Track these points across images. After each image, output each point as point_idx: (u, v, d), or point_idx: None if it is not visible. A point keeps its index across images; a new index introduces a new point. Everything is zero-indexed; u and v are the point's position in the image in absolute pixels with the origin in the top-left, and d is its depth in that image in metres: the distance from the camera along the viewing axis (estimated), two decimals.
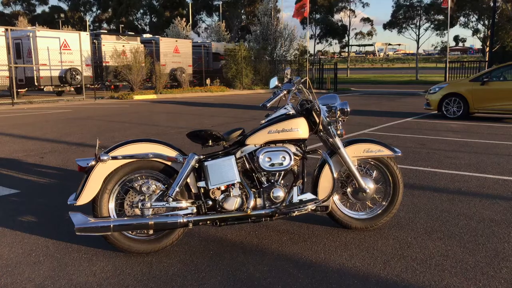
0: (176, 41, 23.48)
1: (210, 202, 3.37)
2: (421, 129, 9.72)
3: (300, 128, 3.50)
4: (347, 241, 3.55)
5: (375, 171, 3.82)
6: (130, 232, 3.26)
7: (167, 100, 18.24)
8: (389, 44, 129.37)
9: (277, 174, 3.51)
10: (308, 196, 3.52)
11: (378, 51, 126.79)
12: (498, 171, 5.83)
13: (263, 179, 3.47)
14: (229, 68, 24.08)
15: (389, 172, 3.78)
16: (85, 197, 3.17)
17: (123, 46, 20.78)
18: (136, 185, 3.23)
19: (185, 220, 3.23)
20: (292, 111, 3.58)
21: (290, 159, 3.44)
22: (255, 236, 3.64)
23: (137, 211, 3.28)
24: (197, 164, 3.34)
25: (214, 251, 3.38)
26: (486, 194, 4.80)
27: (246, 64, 24.02)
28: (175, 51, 22.97)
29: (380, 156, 3.72)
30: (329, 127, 3.63)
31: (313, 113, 3.56)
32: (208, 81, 23.90)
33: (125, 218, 3.17)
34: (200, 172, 3.38)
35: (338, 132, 3.63)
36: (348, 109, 3.66)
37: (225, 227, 3.85)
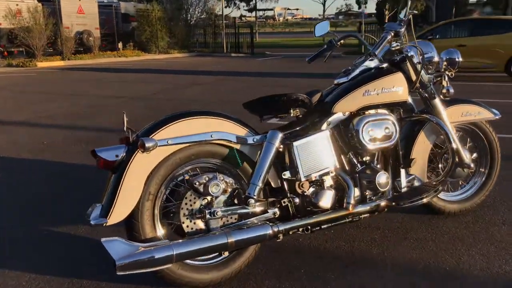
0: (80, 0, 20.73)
1: (297, 200, 2.31)
2: None
3: (402, 86, 2.54)
4: (458, 235, 2.70)
5: (468, 139, 3.02)
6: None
7: (79, 67, 15.99)
8: (288, 9, 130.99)
9: (376, 153, 2.54)
10: (416, 180, 2.61)
11: (277, 16, 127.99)
12: None
13: (357, 160, 2.48)
14: (143, 30, 21.91)
15: (487, 140, 2.99)
16: (121, 211, 1.95)
17: (17, 5, 17.75)
18: (196, 183, 2.05)
19: (275, 230, 2.15)
20: (383, 64, 2.59)
21: (395, 131, 2.47)
22: (335, 238, 2.67)
23: (200, 224, 2.12)
24: (281, 146, 2.23)
25: (291, 264, 2.35)
26: None
27: (161, 26, 22.04)
28: (79, 12, 20.24)
29: (479, 120, 2.91)
30: (430, 84, 2.71)
31: (411, 65, 2.60)
32: (120, 45, 21.59)
33: (190, 239, 2.00)
34: (280, 158, 2.28)
35: (444, 90, 2.73)
36: (460, 59, 2.75)
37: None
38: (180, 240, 1.98)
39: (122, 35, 22.72)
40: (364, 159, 2.48)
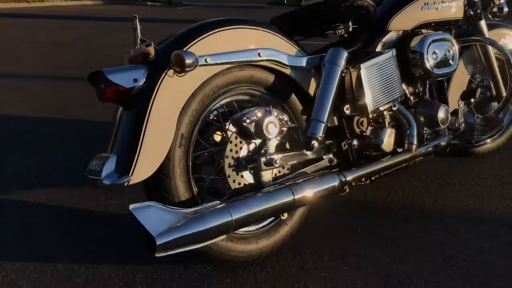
0: None
1: (356, 142, 1.80)
2: None
3: (460, 1, 2.08)
4: (501, 177, 2.39)
5: None
6: None
7: None
8: None
9: (434, 83, 2.09)
10: (468, 117, 2.20)
11: None
12: None
13: (416, 91, 2.01)
14: None
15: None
16: (149, 162, 1.31)
17: None
18: (246, 121, 1.45)
19: (342, 180, 1.63)
20: None
21: (456, 55, 2.02)
22: (374, 189, 2.22)
23: (249, 177, 1.54)
24: (345, 71, 1.68)
25: (342, 224, 1.88)
26: None
27: None
28: None
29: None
30: (478, 1, 2.28)
31: None
32: None
33: (248, 199, 1.41)
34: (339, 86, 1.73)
35: (495, 8, 2.31)
36: None
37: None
38: (235, 201, 1.39)
39: None
40: (422, 89, 2.02)
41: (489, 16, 2.34)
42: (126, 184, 1.26)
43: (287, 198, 1.46)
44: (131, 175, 1.27)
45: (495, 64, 2.37)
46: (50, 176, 2.38)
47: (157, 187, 1.39)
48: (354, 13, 1.75)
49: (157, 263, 1.62)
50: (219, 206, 1.34)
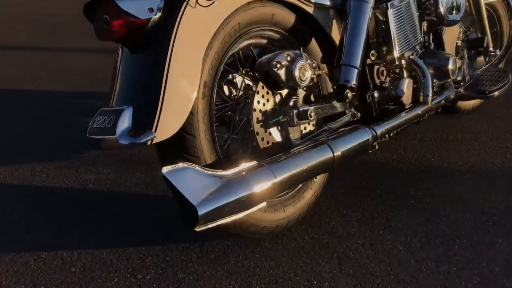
0: None
1: (377, 94, 1.62)
2: None
3: None
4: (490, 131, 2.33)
5: None
6: None
7: None
8: None
9: (436, 31, 1.95)
10: (469, 67, 2.10)
11: None
12: None
13: (426, 40, 1.87)
14: None
15: (500, 26, 2.62)
16: (176, 115, 1.04)
17: None
18: (277, 66, 1.20)
19: (374, 135, 1.45)
20: None
21: (463, 1, 1.90)
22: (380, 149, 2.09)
23: (278, 133, 1.31)
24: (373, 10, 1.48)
25: (361, 186, 1.73)
26: None
27: None
28: None
29: None
30: None
31: None
32: None
33: (289, 158, 1.18)
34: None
35: None
36: None
37: None
38: (276, 161, 1.15)
39: None
40: (432, 38, 1.88)
41: None
42: (149, 143, 0.98)
43: (327, 156, 1.25)
44: (155, 130, 0.99)
45: (485, 17, 2.29)
46: (5, 151, 1.99)
47: (177, 148, 1.12)
48: None
49: (164, 242, 1.36)
50: (262, 168, 1.10)
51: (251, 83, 1.30)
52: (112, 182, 1.72)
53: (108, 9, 0.99)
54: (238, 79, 1.34)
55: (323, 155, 1.24)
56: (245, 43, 1.31)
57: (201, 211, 0.95)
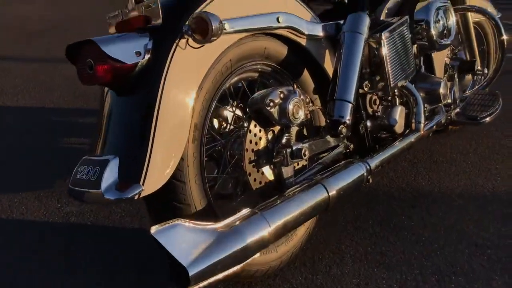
0: None
1: (369, 123, 1.58)
2: None
3: None
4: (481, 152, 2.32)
5: None
6: None
7: None
8: None
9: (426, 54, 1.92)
10: (458, 90, 2.07)
11: None
12: None
13: (417, 64, 1.84)
14: None
15: (487, 44, 2.62)
16: (165, 164, 0.98)
17: None
18: (270, 104, 1.15)
19: (368, 169, 1.41)
20: None
21: (454, 23, 1.88)
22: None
23: (271, 173, 1.26)
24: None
25: (352, 215, 1.69)
26: None
27: None
28: None
29: (488, 16, 2.49)
30: None
31: None
32: None
33: (281, 202, 1.13)
34: None
35: None
36: None
37: None
38: (269, 207, 1.10)
39: None
40: (422, 60, 1.85)
41: None
42: (137, 197, 0.92)
43: (322, 196, 1.20)
44: (143, 183, 0.93)
45: (474, 34, 2.28)
46: None
47: (166, 196, 1.06)
48: None
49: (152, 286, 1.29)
50: (254, 216, 1.05)
51: (242, 120, 1.25)
52: (95, 215, 1.65)
53: (92, 53, 0.93)
54: (229, 115, 1.28)
55: (318, 197, 1.19)
56: (237, 78, 1.25)
57: (192, 272, 0.89)
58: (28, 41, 4.82)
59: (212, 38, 0.96)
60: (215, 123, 1.28)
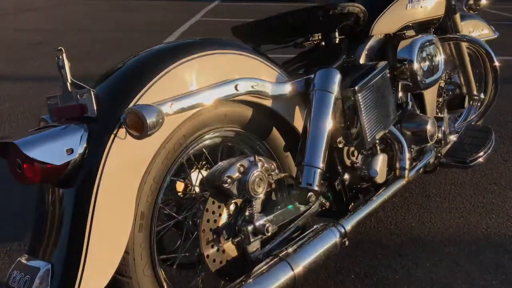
0: None
1: (347, 177, 1.49)
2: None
3: None
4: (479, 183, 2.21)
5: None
6: None
7: None
8: None
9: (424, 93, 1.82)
10: (448, 127, 1.97)
11: None
12: None
13: (401, 105, 1.74)
14: None
15: (485, 66, 2.49)
16: (102, 269, 0.91)
17: None
18: (227, 181, 1.07)
19: (342, 232, 1.32)
20: None
21: (442, 58, 1.77)
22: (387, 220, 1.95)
23: (232, 250, 1.17)
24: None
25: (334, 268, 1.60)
26: None
27: None
28: None
29: (484, 38, 2.37)
30: None
31: None
32: None
33: (239, 285, 1.05)
34: None
35: (471, 1, 2.08)
36: None
37: None
38: None
39: None
40: (407, 102, 1.75)
41: (464, 8, 2.11)
42: None
43: (286, 276, 1.12)
44: None
45: (468, 61, 2.16)
46: None
47: None
48: (342, 21, 1.41)
49: None
50: None
51: (199, 195, 1.16)
52: None
53: (18, 153, 0.85)
54: (187, 187, 1.20)
55: (282, 276, 1.10)
56: (195, 149, 1.17)
57: None
58: (20, 56, 4.77)
59: (149, 133, 0.88)
60: (172, 196, 1.20)
